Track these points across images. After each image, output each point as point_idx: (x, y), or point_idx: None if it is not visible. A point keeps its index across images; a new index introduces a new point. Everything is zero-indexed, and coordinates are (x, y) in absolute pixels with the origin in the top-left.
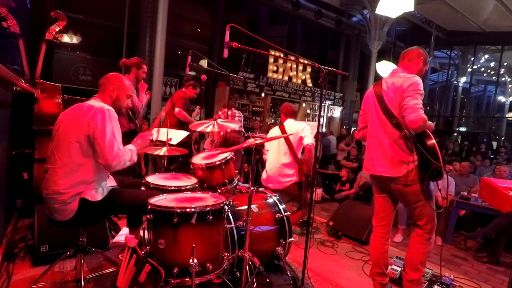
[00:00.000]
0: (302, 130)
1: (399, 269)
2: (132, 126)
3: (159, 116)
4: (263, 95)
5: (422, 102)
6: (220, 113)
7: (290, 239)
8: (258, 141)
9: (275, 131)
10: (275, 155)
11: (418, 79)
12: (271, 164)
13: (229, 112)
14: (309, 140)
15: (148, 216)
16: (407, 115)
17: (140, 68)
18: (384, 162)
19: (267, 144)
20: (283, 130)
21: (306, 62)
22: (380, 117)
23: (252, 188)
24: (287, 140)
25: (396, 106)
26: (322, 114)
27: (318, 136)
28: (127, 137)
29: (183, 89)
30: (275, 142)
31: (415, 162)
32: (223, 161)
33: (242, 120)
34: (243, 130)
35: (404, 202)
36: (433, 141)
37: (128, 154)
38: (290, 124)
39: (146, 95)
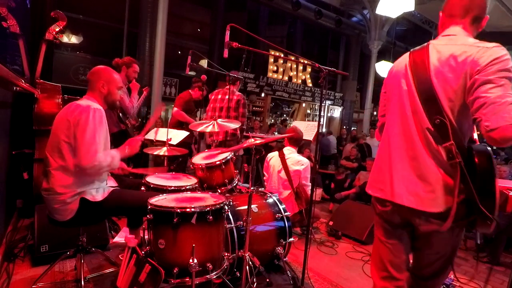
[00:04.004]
0: (304, 170)
1: None
2: (122, 126)
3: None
4: (263, 95)
5: None
6: (213, 97)
7: (290, 239)
8: (258, 141)
9: (275, 159)
10: (275, 186)
11: (505, 51)
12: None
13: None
14: (308, 182)
15: (148, 216)
16: (487, 118)
17: (130, 66)
18: (415, 185)
19: (265, 172)
20: (282, 158)
21: (306, 62)
22: (413, 109)
23: (252, 188)
24: (287, 174)
25: (451, 95)
26: (322, 114)
27: (318, 136)
28: (117, 137)
29: (190, 90)
30: (275, 174)
31: (461, 194)
32: (223, 161)
33: (246, 109)
34: (238, 134)
35: (425, 250)
36: (492, 167)
37: (107, 160)
38: (293, 158)
39: (143, 92)
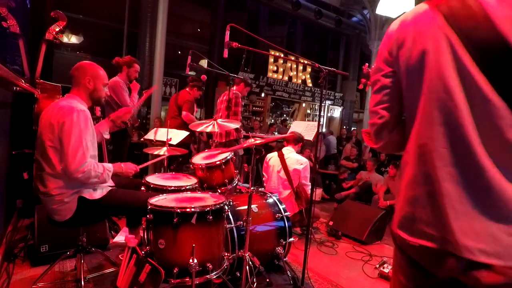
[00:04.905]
0: (303, 170)
1: None
2: (122, 125)
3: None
4: (263, 95)
5: None
6: (224, 97)
7: (290, 239)
8: (258, 141)
9: (274, 159)
10: (275, 185)
11: None
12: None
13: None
14: (308, 181)
15: (148, 216)
16: None
17: (131, 66)
18: (490, 227)
19: (264, 173)
20: (282, 158)
21: (306, 62)
22: (470, 95)
23: (252, 188)
24: (286, 173)
25: None
26: (322, 114)
27: (319, 136)
28: (117, 136)
29: (187, 89)
30: (275, 173)
31: None
32: (223, 161)
33: (239, 108)
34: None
35: None
36: None
37: (98, 170)
38: (292, 158)
39: (143, 93)
